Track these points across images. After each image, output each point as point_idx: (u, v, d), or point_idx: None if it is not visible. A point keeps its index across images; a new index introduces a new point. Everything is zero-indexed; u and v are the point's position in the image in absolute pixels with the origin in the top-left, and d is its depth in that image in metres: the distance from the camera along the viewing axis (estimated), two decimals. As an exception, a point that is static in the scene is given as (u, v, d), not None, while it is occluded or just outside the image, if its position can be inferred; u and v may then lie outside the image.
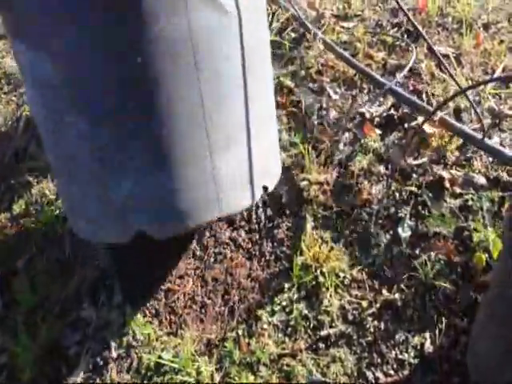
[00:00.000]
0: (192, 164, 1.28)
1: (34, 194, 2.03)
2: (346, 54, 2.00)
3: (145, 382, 1.52)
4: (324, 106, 1.95)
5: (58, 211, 1.92)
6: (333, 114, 1.92)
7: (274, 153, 1.57)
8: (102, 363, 1.60)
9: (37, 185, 2.04)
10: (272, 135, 1.55)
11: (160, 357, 1.54)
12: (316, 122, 1.91)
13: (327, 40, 2.09)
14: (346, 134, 1.86)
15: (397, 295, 1.48)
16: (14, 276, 1.84)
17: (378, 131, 1.83)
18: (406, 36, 2.10)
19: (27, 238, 1.95)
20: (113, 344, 1.62)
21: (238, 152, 1.37)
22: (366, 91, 1.96)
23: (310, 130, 1.90)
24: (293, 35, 2.25)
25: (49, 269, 1.83)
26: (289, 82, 2.04)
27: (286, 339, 1.49)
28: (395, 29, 2.13)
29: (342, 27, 2.25)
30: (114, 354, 1.60)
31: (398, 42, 2.09)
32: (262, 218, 1.74)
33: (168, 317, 1.63)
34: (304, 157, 1.81)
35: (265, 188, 1.45)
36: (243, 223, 1.74)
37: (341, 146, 1.83)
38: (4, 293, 1.82)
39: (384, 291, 1.50)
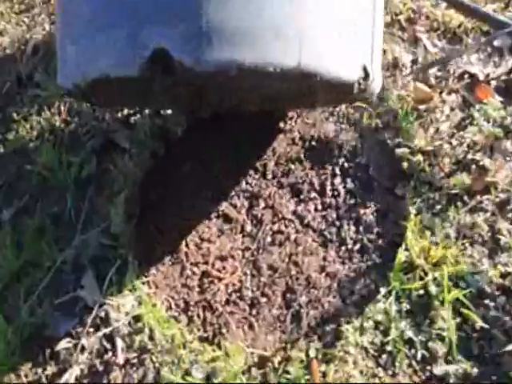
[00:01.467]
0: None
1: (34, 127, 1.35)
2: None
3: (162, 407, 0.90)
4: (420, 59, 1.32)
5: (61, 152, 1.26)
6: (432, 69, 1.29)
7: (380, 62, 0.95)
8: (101, 369, 0.94)
9: (38, 116, 1.36)
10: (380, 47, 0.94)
11: (187, 373, 0.91)
12: (410, 78, 1.28)
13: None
14: (453, 96, 1.23)
15: (551, 327, 0.88)
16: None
17: (499, 97, 1.21)
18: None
19: (19, 182, 1.29)
20: (119, 343, 0.95)
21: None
22: (474, 49, 1.33)
23: (403, 85, 1.26)
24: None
25: (42, 225, 1.14)
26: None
27: (380, 372, 0.86)
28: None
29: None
30: (121, 359, 0.95)
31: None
32: (341, 190, 1.10)
33: (202, 314, 0.97)
34: (397, 117, 1.18)
35: (364, 68, 0.82)
36: (313, 195, 1.07)
37: (446, 110, 1.20)
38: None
39: (531, 319, 0.90)
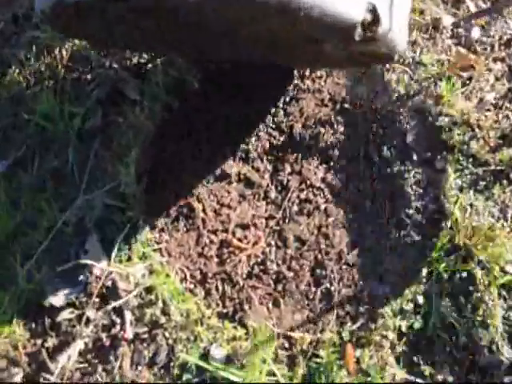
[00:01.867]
0: None
1: (32, 72, 1.16)
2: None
3: (175, 388, 0.78)
4: (461, 22, 1.17)
5: (63, 102, 1.07)
6: (477, 34, 1.13)
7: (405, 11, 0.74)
8: (108, 343, 0.80)
9: (37, 61, 1.16)
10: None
11: (206, 353, 0.80)
12: (451, 42, 1.13)
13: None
14: (499, 65, 1.09)
15: None
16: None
17: None
18: None
19: (15, 132, 1.11)
20: (128, 316, 0.81)
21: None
22: None
23: (444, 49, 1.11)
24: None
25: (40, 181, 0.99)
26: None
27: (420, 359, 0.73)
28: None
29: None
30: (130, 333, 0.82)
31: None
32: (375, 159, 0.94)
33: (221, 287, 0.83)
34: (437, 83, 1.04)
35: (373, 9, 0.61)
36: (344, 162, 0.96)
37: (491, 79, 1.06)
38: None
39: None
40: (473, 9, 1.16)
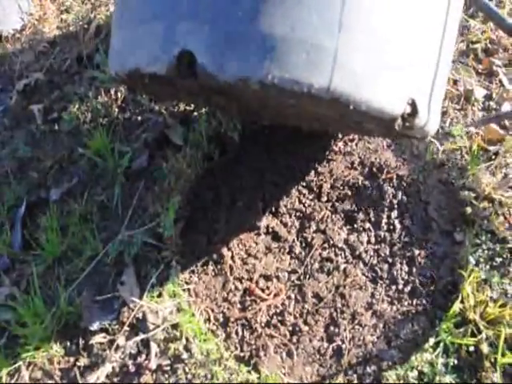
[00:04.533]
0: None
1: (88, 108, 1.30)
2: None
3: (190, 423, 0.87)
4: (494, 96, 1.24)
5: (114, 140, 1.21)
6: (507, 108, 1.19)
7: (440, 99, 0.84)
8: (133, 370, 0.91)
9: (94, 99, 1.30)
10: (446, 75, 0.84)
11: (221, 393, 0.89)
12: (481, 114, 1.20)
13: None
14: (526, 141, 1.15)
15: None
16: (43, 210, 1.12)
17: None
18: None
19: (70, 164, 1.24)
20: (154, 348, 0.92)
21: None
22: None
23: (474, 123, 1.18)
24: None
25: (88, 212, 1.11)
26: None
27: None
28: None
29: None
30: (154, 364, 0.92)
31: None
32: (397, 226, 1.04)
33: (241, 332, 0.93)
34: (463, 156, 1.11)
35: (412, 104, 0.71)
36: (368, 225, 1.02)
37: (519, 156, 1.13)
38: (28, 228, 1.11)
39: None
40: (505, 82, 1.23)
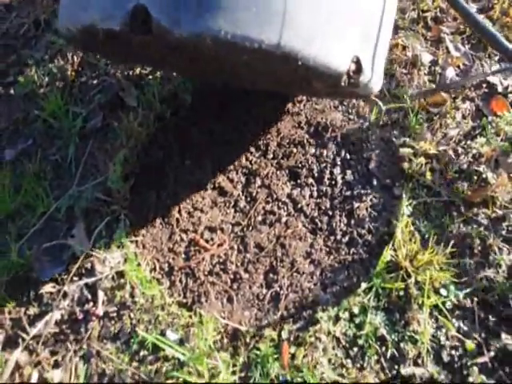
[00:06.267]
0: None
1: (45, 72, 1.32)
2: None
3: (133, 364, 0.91)
4: (440, 61, 1.27)
5: (69, 103, 1.23)
6: (451, 73, 1.23)
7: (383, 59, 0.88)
8: (81, 317, 0.94)
9: (51, 63, 1.31)
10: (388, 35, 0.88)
11: (162, 334, 0.91)
12: (427, 79, 1.24)
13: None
14: (467, 104, 1.19)
15: (523, 345, 0.87)
16: (-5, 168, 1.17)
17: None
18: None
19: (25, 126, 1.26)
20: (101, 296, 0.95)
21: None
22: (497, 58, 1.28)
23: (419, 85, 1.22)
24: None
25: (41, 171, 1.14)
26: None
27: (349, 363, 0.85)
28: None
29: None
30: (101, 311, 0.96)
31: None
32: (339, 181, 1.07)
33: (184, 280, 0.96)
34: (408, 116, 1.15)
35: (357, 61, 0.76)
36: (311, 181, 1.06)
37: (458, 117, 1.16)
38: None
39: (503, 336, 0.86)
40: (452, 50, 1.27)
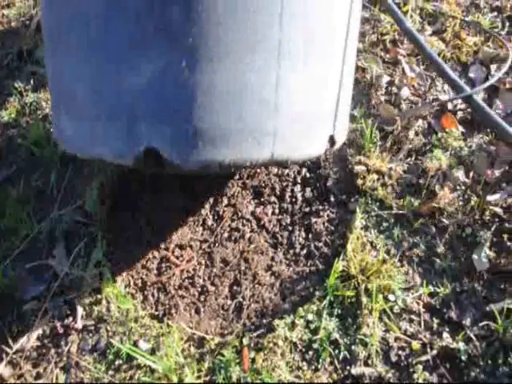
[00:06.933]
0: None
1: (28, 102, 1.40)
2: (413, 29, 1.35)
3: (109, 372, 0.99)
4: (396, 82, 1.37)
5: (51, 131, 1.32)
6: (406, 93, 1.32)
7: (347, 109, 0.99)
8: (62, 331, 1.02)
9: (34, 93, 1.42)
10: (350, 90, 0.98)
11: (135, 345, 0.99)
12: (383, 99, 1.33)
13: (390, 2, 1.43)
14: (420, 122, 1.28)
15: (461, 345, 0.92)
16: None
17: (461, 128, 1.26)
18: (507, 24, 1.50)
19: (9, 154, 1.35)
20: (80, 311, 1.04)
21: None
22: (428, 109, 1.37)
23: (375, 105, 1.31)
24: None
25: (24, 195, 1.23)
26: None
27: (304, 366, 0.93)
28: (494, 13, 1.53)
29: None
30: (79, 325, 1.04)
31: (496, 30, 1.47)
32: (299, 198, 1.16)
33: (156, 294, 1.05)
34: (363, 135, 1.24)
35: (331, 140, 0.88)
36: (273, 199, 1.15)
37: (411, 135, 1.25)
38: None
39: (445, 335, 0.96)
40: (407, 71, 1.37)
